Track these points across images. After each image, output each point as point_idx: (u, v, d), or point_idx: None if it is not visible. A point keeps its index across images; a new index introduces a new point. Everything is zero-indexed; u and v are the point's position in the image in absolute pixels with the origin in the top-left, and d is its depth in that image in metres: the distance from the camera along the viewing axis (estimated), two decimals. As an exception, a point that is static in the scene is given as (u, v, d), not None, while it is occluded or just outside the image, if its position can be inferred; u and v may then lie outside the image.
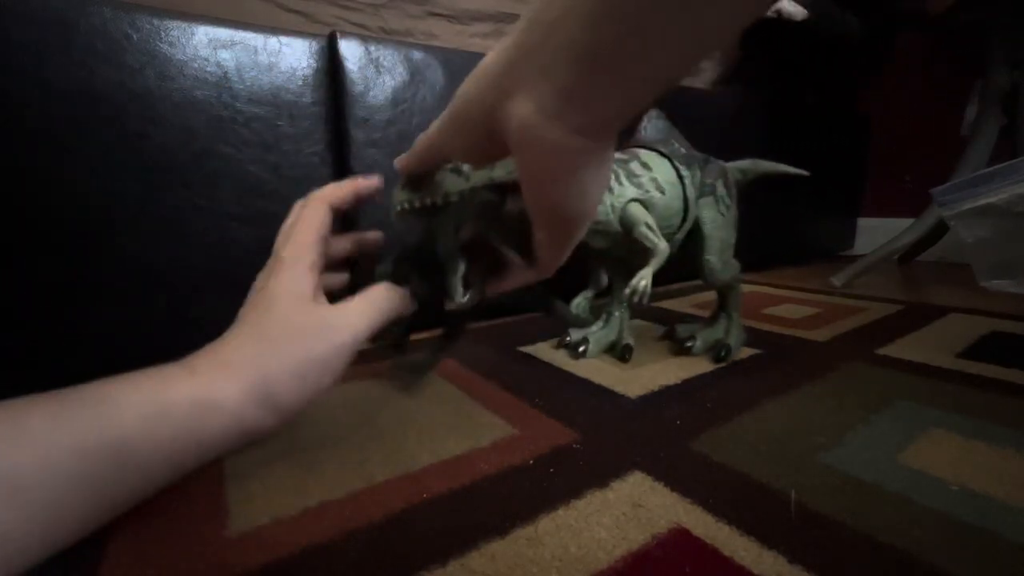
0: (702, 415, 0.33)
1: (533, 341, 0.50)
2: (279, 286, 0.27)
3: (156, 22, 0.39)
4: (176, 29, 0.40)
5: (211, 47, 0.42)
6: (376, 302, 0.28)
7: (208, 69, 0.42)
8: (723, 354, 0.43)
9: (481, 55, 0.60)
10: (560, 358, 0.45)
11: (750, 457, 0.28)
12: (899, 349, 0.47)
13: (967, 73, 0.99)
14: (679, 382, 0.39)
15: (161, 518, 0.24)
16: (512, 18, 0.65)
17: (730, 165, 0.49)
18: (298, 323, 0.26)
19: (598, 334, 0.46)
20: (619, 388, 0.38)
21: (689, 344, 0.45)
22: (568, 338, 0.46)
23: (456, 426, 0.32)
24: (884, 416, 0.33)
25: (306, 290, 0.27)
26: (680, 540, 0.21)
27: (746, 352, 0.46)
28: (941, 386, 0.38)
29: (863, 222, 1.20)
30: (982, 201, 0.42)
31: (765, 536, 0.21)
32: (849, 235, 1.21)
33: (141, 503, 0.25)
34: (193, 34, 0.41)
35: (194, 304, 0.43)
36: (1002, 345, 0.48)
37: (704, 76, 0.87)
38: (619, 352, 0.44)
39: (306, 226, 0.28)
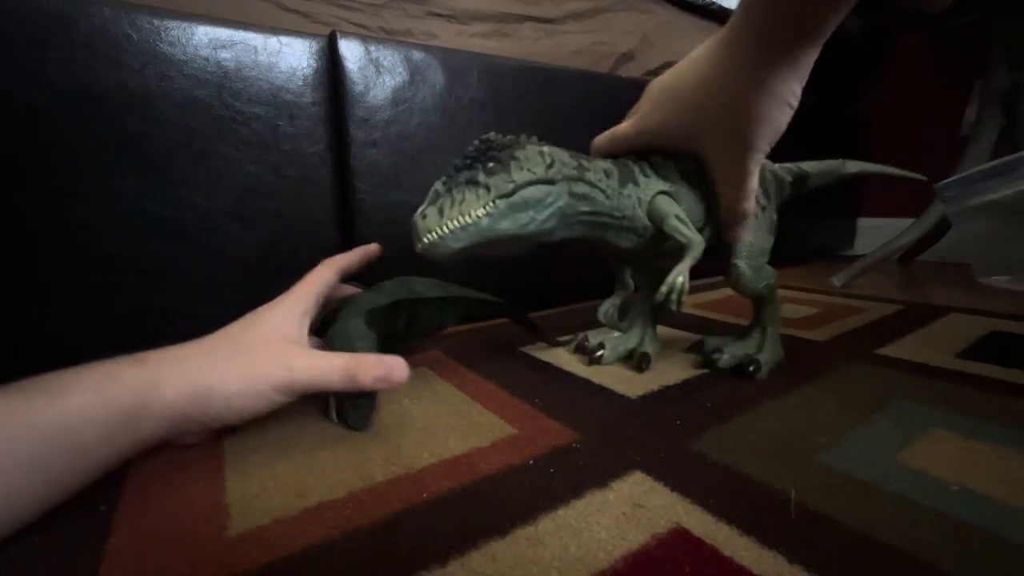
0: (702, 415, 0.33)
1: (533, 341, 0.50)
2: (270, 318, 0.31)
3: (156, 22, 0.39)
4: (176, 29, 0.40)
5: (211, 47, 0.42)
6: (330, 367, 0.30)
7: (208, 69, 0.42)
8: (751, 370, 0.39)
9: (482, 55, 0.59)
10: (560, 358, 0.45)
11: (750, 457, 0.28)
12: (899, 349, 0.47)
13: (967, 73, 0.98)
14: (679, 382, 0.39)
15: (161, 519, 0.24)
16: (512, 18, 0.65)
17: (803, 165, 0.46)
18: (260, 348, 0.29)
19: (616, 340, 0.44)
20: (619, 388, 0.38)
21: (716, 357, 0.41)
22: (586, 343, 0.44)
23: (456, 426, 0.32)
24: (884, 416, 0.33)
25: (289, 329, 0.31)
26: (680, 540, 0.21)
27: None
28: (941, 386, 0.38)
29: (863, 222, 1.20)
30: (985, 198, 0.42)
31: (765, 536, 0.21)
32: (849, 235, 1.21)
33: (139, 503, 0.25)
34: (193, 34, 0.41)
35: (194, 304, 0.43)
36: (1002, 345, 0.48)
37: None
38: (635, 361, 0.42)
39: (313, 279, 0.35)
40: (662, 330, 0.50)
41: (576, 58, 0.70)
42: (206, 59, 0.41)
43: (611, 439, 0.30)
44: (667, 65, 0.83)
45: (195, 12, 0.42)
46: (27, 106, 0.36)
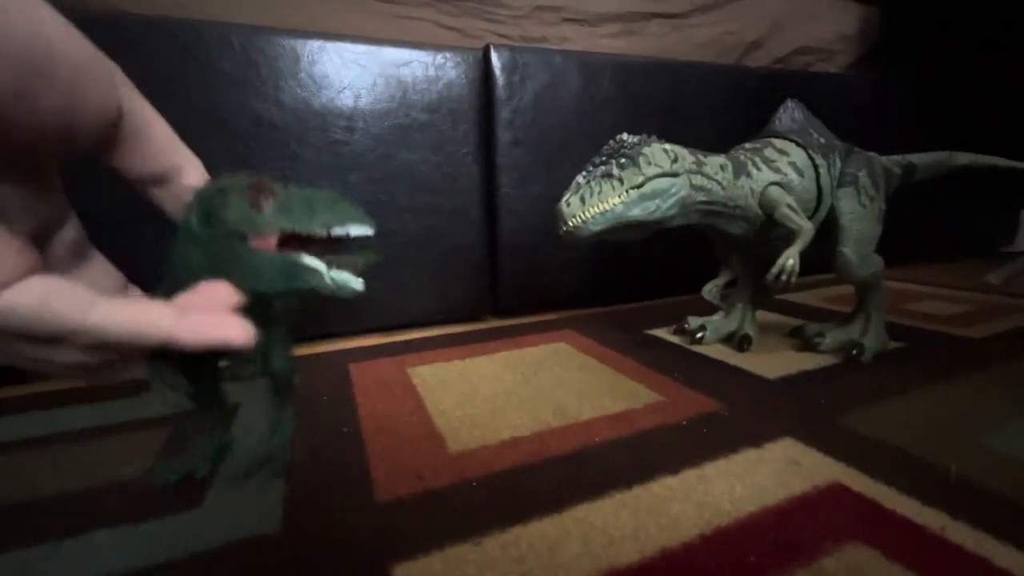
0: (846, 397, 0.35)
1: (659, 325, 0.53)
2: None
3: (351, 46, 0.48)
4: (367, 54, 0.49)
5: (395, 65, 0.50)
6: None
7: (392, 84, 0.50)
8: (855, 353, 0.41)
9: (613, 55, 0.62)
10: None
11: (902, 434, 0.29)
12: (1074, 350, 0.43)
13: None
14: (817, 368, 0.40)
15: (395, 439, 0.31)
16: (639, 16, 0.67)
17: (910, 157, 0.47)
18: None
19: (717, 322, 0.47)
20: (755, 370, 0.40)
21: (817, 341, 0.43)
22: (687, 325, 0.48)
23: (608, 390, 0.37)
24: (1055, 411, 0.32)
25: None
26: (841, 493, 0.24)
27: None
28: None
29: (1028, 214, 1.05)
30: None
31: (925, 496, 0.23)
32: (1009, 228, 1.06)
33: (373, 426, 0.32)
34: (380, 54, 0.49)
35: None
36: None
37: (837, 59, 0.82)
38: (736, 342, 0.45)
39: None
40: (761, 315, 0.51)
41: (703, 51, 0.71)
42: (390, 76, 0.50)
43: (756, 410, 0.33)
44: (798, 51, 0.80)
45: (373, 36, 0.50)
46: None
